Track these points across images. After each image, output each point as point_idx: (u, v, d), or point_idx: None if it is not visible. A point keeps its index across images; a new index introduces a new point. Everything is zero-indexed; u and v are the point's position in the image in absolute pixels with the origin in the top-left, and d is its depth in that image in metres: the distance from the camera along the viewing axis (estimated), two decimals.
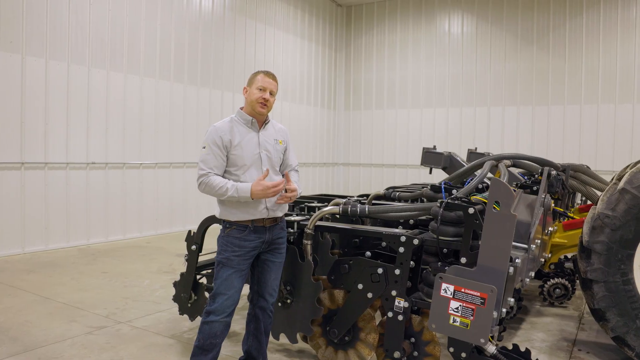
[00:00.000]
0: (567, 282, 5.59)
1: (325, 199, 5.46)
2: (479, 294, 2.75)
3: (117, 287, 6.15)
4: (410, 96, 14.80)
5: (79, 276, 6.61)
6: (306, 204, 5.14)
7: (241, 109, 3.49)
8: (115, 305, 5.41)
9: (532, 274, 4.27)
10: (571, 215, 5.40)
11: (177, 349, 4.25)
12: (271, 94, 3.41)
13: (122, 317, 5.05)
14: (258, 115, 3.41)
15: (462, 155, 8.16)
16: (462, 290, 2.80)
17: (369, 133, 15.62)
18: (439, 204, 3.38)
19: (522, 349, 3.42)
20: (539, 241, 4.21)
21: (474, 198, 3.57)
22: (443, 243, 3.33)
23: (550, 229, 4.93)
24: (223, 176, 3.29)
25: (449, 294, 2.84)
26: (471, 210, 3.19)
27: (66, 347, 4.26)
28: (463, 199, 3.42)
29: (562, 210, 5.27)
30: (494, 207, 2.84)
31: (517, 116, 13.21)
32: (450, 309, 2.84)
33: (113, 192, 9.23)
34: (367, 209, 3.82)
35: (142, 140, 9.73)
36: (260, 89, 3.38)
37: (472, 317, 2.78)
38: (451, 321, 2.85)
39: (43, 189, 8.16)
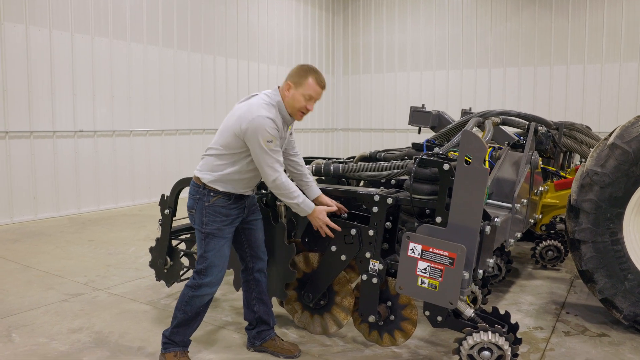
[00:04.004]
0: (559, 244, 5.41)
1: (307, 161, 5.26)
2: (447, 253, 2.59)
3: (101, 254, 6.05)
4: (410, 59, 14.42)
5: (65, 245, 6.52)
6: None
7: (278, 88, 3.21)
8: (96, 273, 5.31)
9: (519, 234, 4.10)
10: (563, 174, 5.19)
11: (152, 315, 4.14)
12: (315, 101, 3.20)
13: (101, 284, 4.96)
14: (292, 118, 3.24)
15: (457, 117, 7.89)
16: (430, 250, 2.63)
17: (368, 97, 15.30)
18: (413, 161, 3.20)
19: (508, 312, 3.26)
20: (526, 201, 4.03)
21: (452, 155, 3.38)
22: (417, 202, 3.15)
23: (540, 188, 4.74)
24: (240, 153, 3.11)
25: (416, 254, 2.68)
26: (446, 167, 2.99)
27: (39, 314, 4.17)
28: (440, 155, 3.23)
29: (554, 169, 5.06)
30: (466, 160, 2.65)
31: (519, 77, 12.84)
32: (418, 270, 2.68)
33: (103, 161, 9.08)
34: (341, 168, 3.64)
35: (132, 107, 9.51)
36: (307, 98, 3.13)
37: (440, 279, 2.62)
38: (419, 283, 2.69)
39: (29, 158, 8.01)
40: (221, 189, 3.14)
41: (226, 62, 11.53)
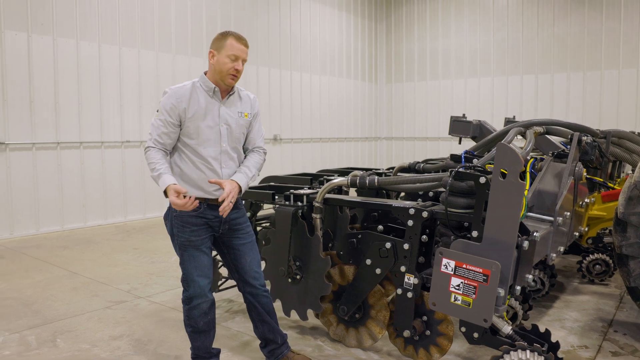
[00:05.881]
0: (607, 258, 5.19)
1: (346, 172, 5.26)
2: (481, 270, 2.52)
3: (145, 262, 6.21)
4: (454, 66, 14.22)
5: (110, 252, 6.73)
6: (325, 177, 4.96)
7: (205, 73, 3.12)
8: (138, 281, 5.45)
9: (562, 248, 3.95)
10: (611, 185, 4.97)
11: None
12: (243, 62, 3.06)
13: (143, 292, 5.08)
14: (224, 85, 3.08)
15: (501, 125, 7.71)
16: (464, 266, 2.57)
17: (411, 105, 15.17)
18: (449, 174, 3.14)
19: (549, 330, 3.14)
20: (569, 213, 3.89)
21: (489, 167, 3.30)
22: (452, 215, 3.09)
23: (586, 200, 4.56)
24: (177, 146, 3.08)
25: (449, 270, 2.62)
26: (482, 180, 2.92)
27: (83, 320, 4.31)
28: (476, 168, 3.15)
29: (601, 180, 4.86)
30: (502, 173, 2.58)
31: (567, 83, 12.45)
32: (451, 286, 2.62)
33: (148, 170, 9.30)
34: (376, 181, 3.60)
35: None
36: (232, 59, 3.00)
37: (474, 296, 2.55)
38: (452, 299, 2.63)
39: (79, 167, 8.33)
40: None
41: (269, 72, 11.68)
